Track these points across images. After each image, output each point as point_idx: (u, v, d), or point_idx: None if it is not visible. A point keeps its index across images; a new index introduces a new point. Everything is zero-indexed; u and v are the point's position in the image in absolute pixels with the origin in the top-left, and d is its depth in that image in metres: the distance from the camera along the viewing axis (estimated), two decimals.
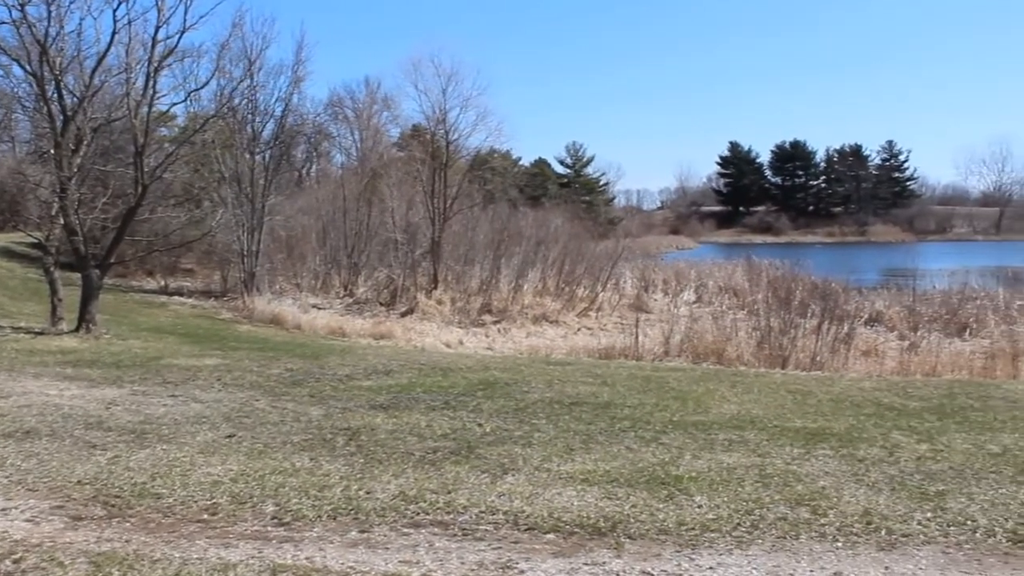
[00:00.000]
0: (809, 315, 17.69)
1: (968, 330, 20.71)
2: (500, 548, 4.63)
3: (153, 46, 14.48)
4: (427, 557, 4.48)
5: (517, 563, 4.40)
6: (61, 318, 14.66)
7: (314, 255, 30.67)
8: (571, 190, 78.58)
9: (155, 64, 14.55)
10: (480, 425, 7.63)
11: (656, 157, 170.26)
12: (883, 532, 4.83)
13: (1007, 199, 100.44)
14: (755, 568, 4.35)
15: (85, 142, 14.37)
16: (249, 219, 26.94)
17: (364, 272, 30.22)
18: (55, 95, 14.10)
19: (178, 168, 19.16)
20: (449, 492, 5.56)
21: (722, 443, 6.96)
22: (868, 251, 66.30)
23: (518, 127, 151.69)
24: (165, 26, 14.38)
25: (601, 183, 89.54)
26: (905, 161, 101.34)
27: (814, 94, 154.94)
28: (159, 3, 14.25)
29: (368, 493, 5.54)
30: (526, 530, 4.90)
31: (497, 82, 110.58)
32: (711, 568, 4.35)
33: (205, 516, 5.14)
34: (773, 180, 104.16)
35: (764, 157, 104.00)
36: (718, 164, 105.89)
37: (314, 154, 52.64)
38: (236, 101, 24.97)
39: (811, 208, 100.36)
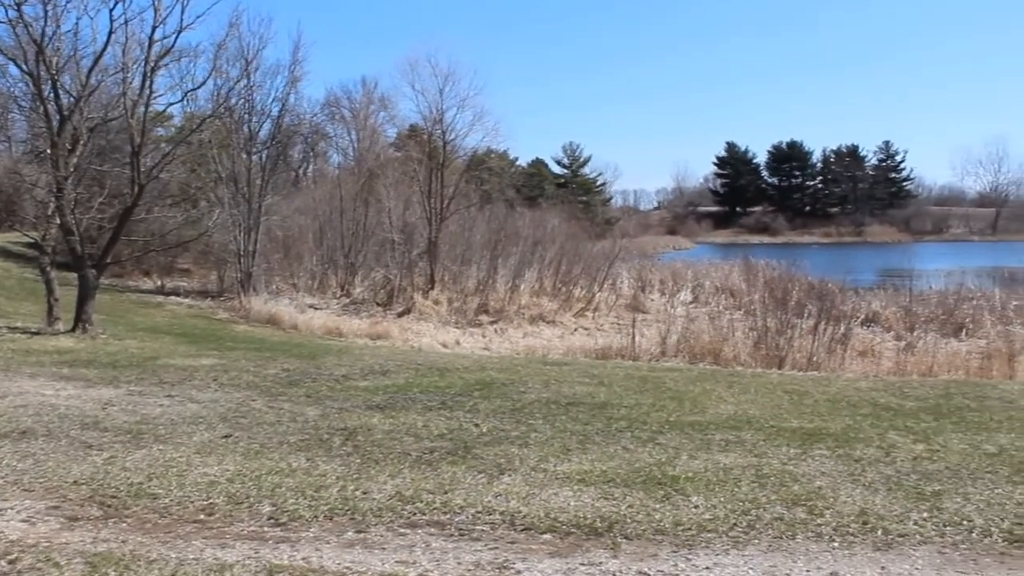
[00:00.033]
0: (806, 315, 17.70)
1: (964, 330, 20.73)
2: (497, 548, 4.63)
3: (150, 46, 14.47)
4: (424, 557, 4.48)
5: (514, 563, 4.40)
6: (57, 318, 14.64)
7: (311, 255, 30.64)
8: (568, 190, 78.66)
9: (152, 64, 14.53)
10: (477, 425, 7.63)
11: (653, 157, 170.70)
12: (879, 532, 4.84)
13: (1003, 200, 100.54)
14: (751, 568, 4.35)
15: (81, 142, 14.35)
16: (246, 219, 26.91)
17: (361, 272, 30.20)
18: (51, 95, 14.07)
19: (175, 168, 19.14)
20: (446, 492, 5.56)
21: (719, 443, 6.97)
22: (864, 251, 66.36)
23: (517, 127, 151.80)
24: (162, 26, 14.38)
25: (598, 183, 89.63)
26: (902, 162, 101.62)
27: (813, 94, 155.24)
28: (156, 3, 14.23)
29: (365, 493, 5.54)
30: (523, 530, 4.90)
31: (496, 82, 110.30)
32: (707, 568, 4.36)
33: (201, 516, 5.13)
34: (770, 180, 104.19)
35: (761, 157, 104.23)
36: (715, 164, 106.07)
37: (311, 154, 52.59)
38: (233, 101, 25.00)
39: (808, 208, 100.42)
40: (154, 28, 14.34)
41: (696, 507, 5.27)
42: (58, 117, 14.09)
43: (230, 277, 28.15)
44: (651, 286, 32.69)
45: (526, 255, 30.36)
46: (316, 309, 25.40)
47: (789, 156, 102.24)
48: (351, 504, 5.32)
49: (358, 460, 6.37)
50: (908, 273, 27.52)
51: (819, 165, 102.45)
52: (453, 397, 9.08)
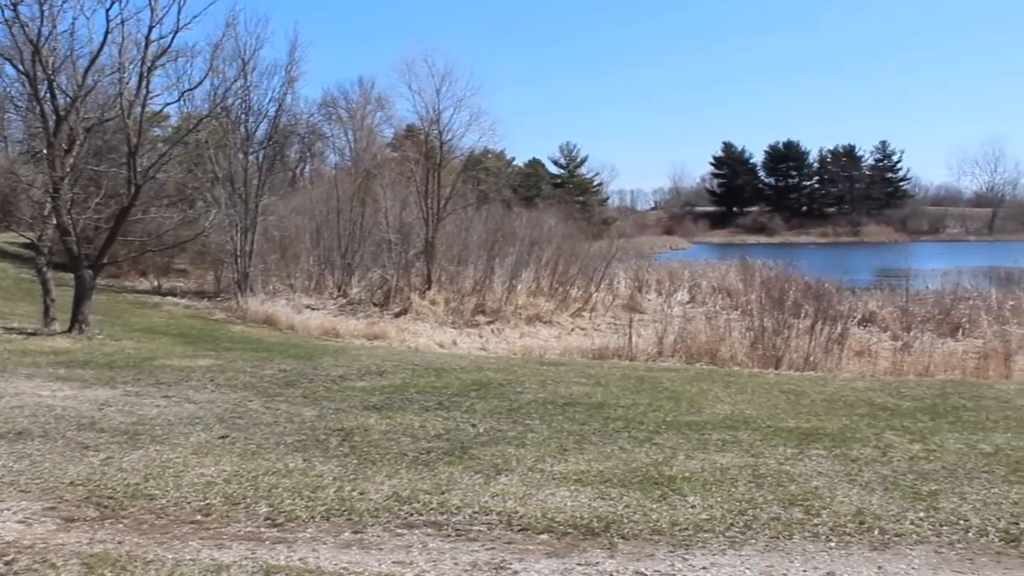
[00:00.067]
0: (802, 315, 17.71)
1: (961, 330, 20.78)
2: (494, 549, 4.63)
3: (146, 46, 14.44)
4: (420, 558, 4.48)
5: (511, 564, 4.40)
6: (54, 319, 14.61)
7: (308, 255, 30.60)
8: (565, 190, 78.69)
9: (148, 64, 14.50)
10: (474, 426, 7.63)
11: (650, 157, 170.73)
12: (876, 532, 4.85)
13: (999, 200, 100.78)
14: (748, 568, 4.35)
15: (78, 142, 14.33)
16: (242, 219, 26.88)
17: (358, 272, 30.17)
18: (48, 95, 14.05)
19: (171, 168, 19.06)
20: (443, 493, 5.55)
21: (715, 443, 6.97)
22: (861, 251, 66.52)
23: (514, 127, 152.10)
24: (158, 26, 14.33)
25: (595, 183, 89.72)
26: (898, 161, 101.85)
27: (811, 94, 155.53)
28: (152, 3, 14.21)
29: (361, 494, 5.53)
30: (520, 531, 4.90)
31: (493, 82, 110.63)
32: (704, 568, 4.36)
33: (198, 517, 5.13)
34: (767, 180, 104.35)
35: (757, 158, 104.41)
36: (711, 164, 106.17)
37: (308, 154, 52.55)
38: (230, 101, 25.00)
39: (804, 208, 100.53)
40: (151, 28, 14.33)
41: (693, 507, 5.28)
42: (54, 117, 14.06)
43: (227, 277, 28.10)
44: (648, 286, 32.70)
45: (523, 255, 30.34)
46: (313, 309, 25.38)
47: (786, 156, 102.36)
48: (348, 505, 5.32)
49: (355, 461, 6.36)
50: (904, 273, 27.55)
51: (815, 165, 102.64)
52: (450, 397, 9.08)
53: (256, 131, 29.28)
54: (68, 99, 14.26)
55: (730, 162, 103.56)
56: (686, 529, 4.90)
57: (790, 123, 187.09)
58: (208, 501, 5.39)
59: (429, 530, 4.91)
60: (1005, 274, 33.43)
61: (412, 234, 30.40)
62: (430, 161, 31.68)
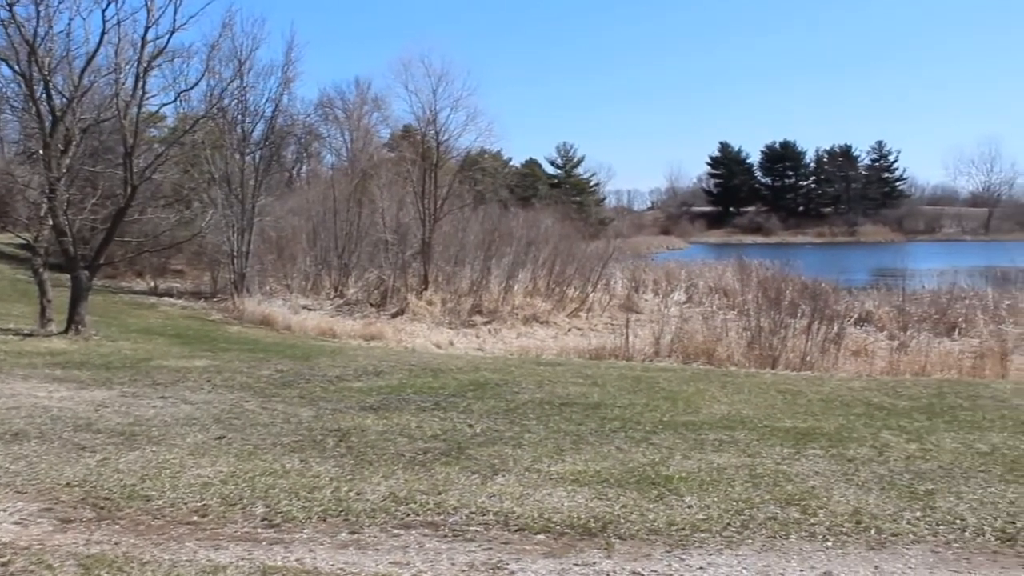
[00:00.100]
0: (799, 315, 17.72)
1: (957, 330, 20.83)
2: (490, 549, 4.63)
3: (142, 46, 14.43)
4: (417, 558, 4.48)
5: (507, 564, 4.40)
6: (50, 319, 14.58)
7: (304, 256, 30.58)
8: (561, 190, 78.62)
9: (144, 64, 14.49)
10: (470, 426, 7.63)
11: (646, 157, 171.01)
12: (873, 531, 4.85)
13: (996, 199, 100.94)
14: (745, 568, 4.36)
15: (74, 143, 14.30)
16: (239, 220, 26.84)
17: (354, 273, 30.14)
18: (44, 95, 14.03)
19: (168, 169, 19.07)
20: (439, 493, 5.55)
21: (712, 443, 6.98)
22: (858, 251, 66.62)
23: (511, 127, 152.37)
24: (155, 26, 14.34)
25: (591, 184, 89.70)
26: (895, 161, 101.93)
27: (810, 94, 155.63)
28: (148, 3, 14.19)
29: (358, 494, 5.53)
30: (516, 531, 4.90)
31: (492, 82, 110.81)
32: (701, 568, 4.36)
33: (195, 518, 5.12)
34: (763, 180, 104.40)
35: (754, 158, 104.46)
36: (708, 164, 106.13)
37: (304, 155, 52.59)
38: (226, 102, 24.88)
39: (801, 208, 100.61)
40: (147, 29, 14.33)
41: (690, 507, 5.28)
42: (50, 118, 14.05)
43: (223, 278, 28.06)
44: (645, 286, 32.72)
45: (520, 255, 30.34)
46: (310, 310, 25.36)
47: (782, 156, 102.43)
48: (345, 505, 5.31)
49: (352, 461, 6.36)
50: (901, 273, 27.66)
51: (812, 165, 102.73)
52: (447, 398, 9.07)
53: (252, 132, 29.25)
54: (64, 100, 14.25)
55: (727, 162, 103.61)
56: (683, 529, 4.90)
57: (788, 123, 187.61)
58: (205, 502, 5.39)
59: (426, 530, 4.91)
60: (1001, 274, 33.52)
61: (409, 234, 30.38)
62: (427, 161, 31.67)
